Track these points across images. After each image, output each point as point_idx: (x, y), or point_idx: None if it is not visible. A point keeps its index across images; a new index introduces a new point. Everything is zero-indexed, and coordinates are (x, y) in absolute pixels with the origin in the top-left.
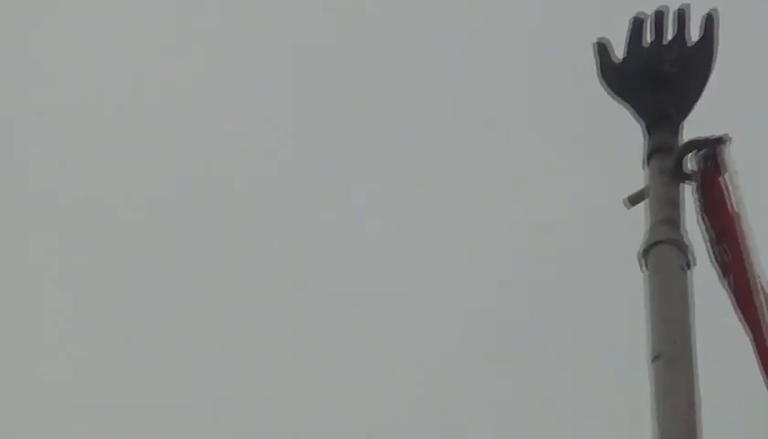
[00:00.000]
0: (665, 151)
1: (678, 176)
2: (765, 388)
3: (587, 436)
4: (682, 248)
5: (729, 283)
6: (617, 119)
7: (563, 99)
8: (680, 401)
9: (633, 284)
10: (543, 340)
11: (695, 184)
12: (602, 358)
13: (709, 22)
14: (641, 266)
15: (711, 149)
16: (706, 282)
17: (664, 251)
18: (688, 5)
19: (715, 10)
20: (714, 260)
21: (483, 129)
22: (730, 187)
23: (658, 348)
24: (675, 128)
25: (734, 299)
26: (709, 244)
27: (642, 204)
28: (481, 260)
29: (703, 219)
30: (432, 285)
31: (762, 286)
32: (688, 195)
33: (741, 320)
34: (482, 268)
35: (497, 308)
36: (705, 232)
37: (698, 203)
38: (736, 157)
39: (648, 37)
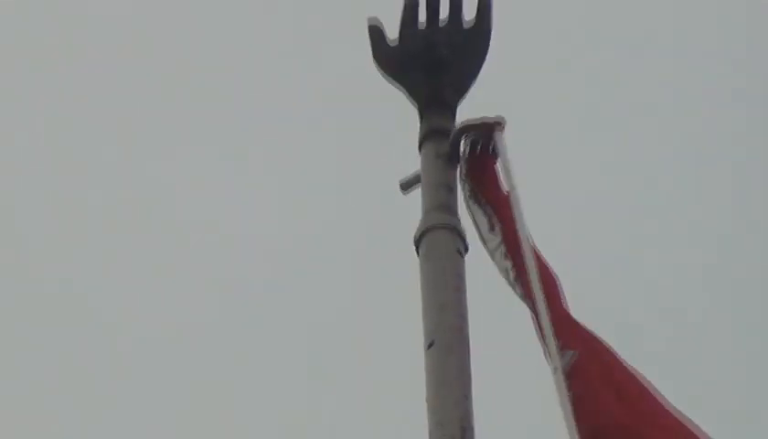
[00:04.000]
0: (440, 134)
1: (454, 160)
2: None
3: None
4: (457, 233)
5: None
6: (395, 102)
7: (337, 77)
8: (454, 389)
9: (411, 272)
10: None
11: (466, 167)
12: (378, 348)
13: (484, 4)
14: (417, 252)
15: (485, 133)
16: (482, 267)
17: (438, 237)
18: None
19: None
20: (484, 242)
21: None
22: (502, 172)
23: (432, 336)
24: (450, 112)
25: (512, 277)
26: (479, 227)
27: (417, 190)
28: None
29: (475, 201)
30: None
31: (534, 265)
32: None
33: (519, 297)
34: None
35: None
36: (476, 215)
37: (468, 186)
38: (510, 142)
39: (422, 20)
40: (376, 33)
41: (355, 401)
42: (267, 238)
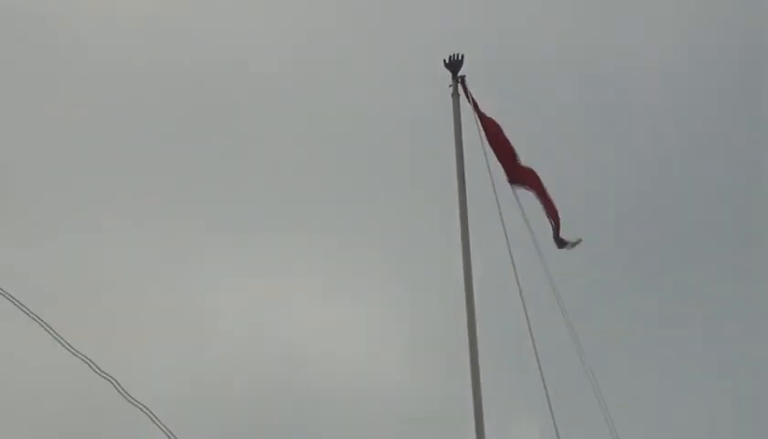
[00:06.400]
0: (456, 79)
1: (459, 82)
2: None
3: None
4: (459, 95)
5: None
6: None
7: None
8: None
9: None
10: None
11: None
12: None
13: (461, 57)
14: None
15: (461, 80)
16: None
17: (456, 96)
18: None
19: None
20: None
21: None
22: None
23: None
24: (457, 73)
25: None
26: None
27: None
28: None
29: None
30: None
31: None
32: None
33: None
34: None
35: None
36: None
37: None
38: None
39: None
40: (445, 62)
41: None
42: None
